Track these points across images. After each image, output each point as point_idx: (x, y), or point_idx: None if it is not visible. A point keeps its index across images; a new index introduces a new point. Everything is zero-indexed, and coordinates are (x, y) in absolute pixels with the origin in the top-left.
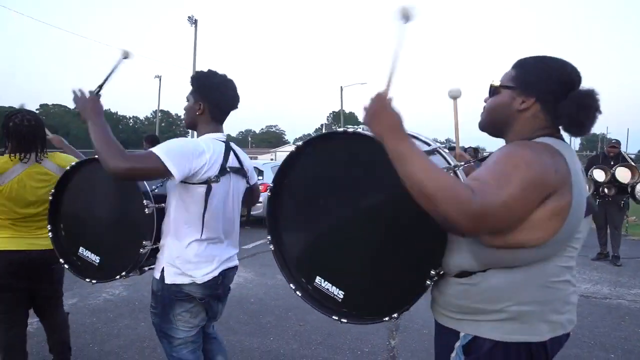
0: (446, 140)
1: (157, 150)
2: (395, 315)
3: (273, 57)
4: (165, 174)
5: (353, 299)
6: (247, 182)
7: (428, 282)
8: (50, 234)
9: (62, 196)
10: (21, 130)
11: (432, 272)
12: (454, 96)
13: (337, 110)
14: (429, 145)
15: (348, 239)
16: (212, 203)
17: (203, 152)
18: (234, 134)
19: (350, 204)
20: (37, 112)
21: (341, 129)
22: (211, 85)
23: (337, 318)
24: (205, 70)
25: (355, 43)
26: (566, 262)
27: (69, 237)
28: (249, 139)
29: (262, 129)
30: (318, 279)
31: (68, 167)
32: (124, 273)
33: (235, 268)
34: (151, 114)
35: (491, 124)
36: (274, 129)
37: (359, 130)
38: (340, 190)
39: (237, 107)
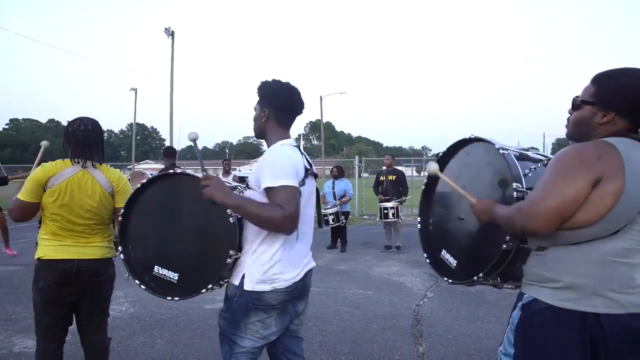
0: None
1: (283, 180)
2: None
3: (250, 67)
4: (299, 190)
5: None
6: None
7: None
8: (122, 255)
9: (131, 215)
10: (77, 135)
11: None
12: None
13: (314, 120)
14: None
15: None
16: (301, 205)
17: (295, 158)
18: (210, 146)
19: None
20: (7, 126)
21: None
22: (274, 91)
23: (170, 298)
24: (268, 79)
25: (334, 52)
26: (631, 245)
27: (140, 256)
28: (227, 150)
29: (239, 140)
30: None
31: (139, 185)
32: (210, 286)
33: (312, 269)
34: (126, 127)
35: (577, 134)
36: (251, 140)
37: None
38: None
39: (301, 112)
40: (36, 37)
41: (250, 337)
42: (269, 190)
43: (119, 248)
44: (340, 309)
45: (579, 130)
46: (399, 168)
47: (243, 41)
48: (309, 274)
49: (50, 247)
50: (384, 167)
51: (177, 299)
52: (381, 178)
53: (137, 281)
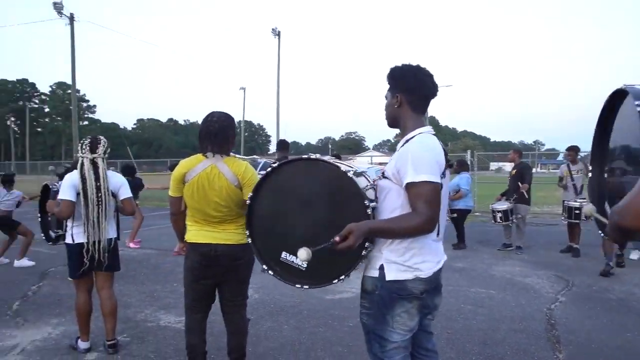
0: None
1: (425, 175)
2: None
3: (353, 63)
4: (440, 187)
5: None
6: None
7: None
8: (249, 239)
9: (260, 201)
10: (206, 128)
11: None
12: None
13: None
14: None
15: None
16: (441, 199)
17: (439, 150)
18: (313, 142)
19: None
20: (134, 126)
21: (305, 156)
22: (404, 73)
23: (299, 286)
24: (399, 64)
25: (438, 44)
26: None
27: (268, 242)
28: (329, 146)
29: (341, 135)
30: (284, 254)
31: (267, 170)
32: (342, 277)
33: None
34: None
35: None
36: (353, 136)
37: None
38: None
39: (435, 95)
40: (156, 43)
41: (398, 330)
42: (410, 186)
43: (247, 232)
44: (463, 307)
45: None
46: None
47: (346, 38)
48: (442, 267)
49: (192, 232)
50: (509, 163)
51: (306, 287)
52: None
53: (264, 266)
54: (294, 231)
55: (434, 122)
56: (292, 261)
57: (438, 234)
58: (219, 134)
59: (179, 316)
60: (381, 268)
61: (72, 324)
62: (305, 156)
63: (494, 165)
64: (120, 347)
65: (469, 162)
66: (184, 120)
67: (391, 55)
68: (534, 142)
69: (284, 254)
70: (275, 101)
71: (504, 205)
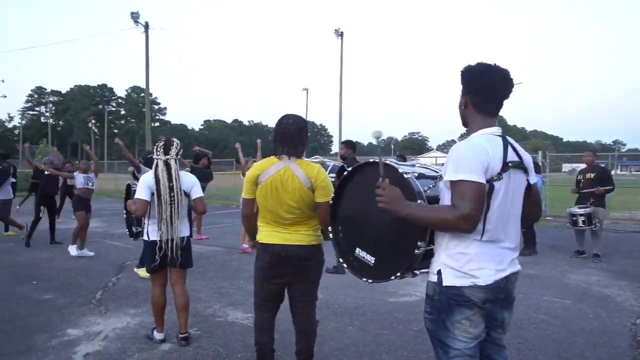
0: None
1: (463, 174)
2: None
3: (417, 62)
4: (484, 187)
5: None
6: (527, 180)
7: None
8: (330, 235)
9: (340, 199)
10: (285, 131)
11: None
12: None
13: None
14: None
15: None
16: (494, 202)
17: (486, 151)
18: (375, 142)
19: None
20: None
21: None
22: (470, 75)
23: (364, 279)
24: (472, 63)
25: (509, 40)
26: None
27: (346, 238)
28: (392, 146)
29: (404, 136)
30: (357, 250)
31: (346, 172)
32: (398, 274)
33: (517, 273)
34: None
35: None
36: (416, 136)
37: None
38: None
39: (506, 97)
40: (222, 46)
41: (460, 337)
42: (450, 185)
43: (329, 228)
44: (535, 316)
45: None
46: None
47: (411, 35)
48: (512, 278)
49: (264, 232)
50: (584, 165)
51: (370, 281)
52: (579, 177)
53: (340, 260)
54: (366, 229)
55: (501, 122)
56: (363, 257)
57: (503, 241)
58: (294, 136)
59: (245, 313)
60: (439, 273)
61: (147, 315)
62: (372, 160)
63: (566, 167)
64: (191, 340)
65: (540, 164)
66: (248, 121)
67: (460, 53)
68: (614, 142)
69: (357, 250)
70: (337, 101)
71: (585, 208)
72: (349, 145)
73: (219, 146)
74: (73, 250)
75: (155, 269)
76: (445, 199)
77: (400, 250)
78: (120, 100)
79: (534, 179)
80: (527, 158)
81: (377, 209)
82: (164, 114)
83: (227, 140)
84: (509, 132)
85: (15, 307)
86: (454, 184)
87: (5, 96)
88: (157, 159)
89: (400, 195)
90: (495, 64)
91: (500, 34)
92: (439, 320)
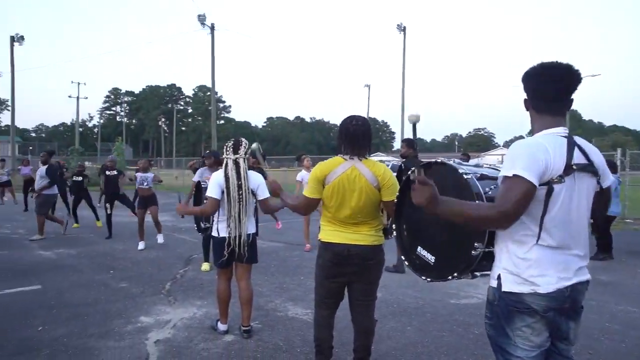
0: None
1: (512, 170)
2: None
3: (482, 56)
4: (533, 188)
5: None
6: (598, 182)
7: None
8: (394, 232)
9: (405, 198)
10: (355, 132)
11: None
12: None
13: None
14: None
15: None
16: (553, 206)
17: (546, 150)
18: (439, 139)
19: None
20: (264, 124)
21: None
22: (527, 77)
23: (424, 278)
24: (536, 63)
25: (583, 29)
26: None
27: (409, 236)
28: (456, 142)
29: (469, 132)
30: (419, 249)
31: (410, 172)
32: (455, 274)
33: (586, 282)
34: None
35: None
36: (482, 132)
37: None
38: None
39: (565, 95)
40: (283, 45)
41: (521, 345)
42: (502, 180)
43: (393, 227)
44: (608, 326)
45: None
46: None
47: (471, 32)
48: (580, 287)
49: (327, 231)
50: None
51: (429, 280)
52: None
53: (403, 257)
54: (428, 228)
55: (575, 116)
56: (424, 256)
57: (569, 248)
58: (361, 138)
59: (305, 308)
60: (499, 278)
61: (212, 306)
62: (436, 160)
63: None
64: (253, 333)
65: (619, 162)
66: (310, 118)
67: (528, 46)
68: None
69: (419, 248)
70: (400, 97)
71: None
72: (409, 144)
73: (281, 143)
74: (141, 245)
75: (222, 264)
76: None
77: (458, 251)
78: (187, 99)
79: (608, 182)
80: (599, 160)
81: None
82: (228, 112)
83: (289, 137)
84: (584, 127)
85: (95, 294)
86: (504, 179)
87: (87, 97)
88: (226, 158)
89: (434, 191)
90: (554, 62)
91: (575, 24)
92: (499, 326)
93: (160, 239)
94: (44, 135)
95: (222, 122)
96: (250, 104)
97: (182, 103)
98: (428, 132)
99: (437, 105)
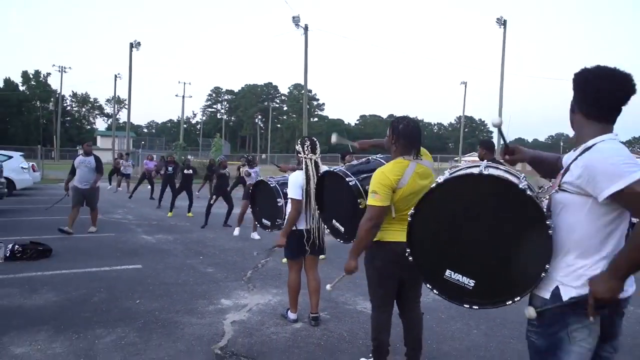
0: None
1: (626, 178)
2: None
3: (588, 49)
4: None
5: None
6: None
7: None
8: (411, 257)
9: (420, 214)
10: (416, 132)
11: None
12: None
13: None
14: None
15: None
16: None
17: (636, 162)
18: (541, 139)
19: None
20: (357, 122)
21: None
22: (577, 81)
23: (468, 306)
24: (587, 67)
25: None
26: None
27: (431, 258)
28: (561, 143)
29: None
30: (448, 272)
31: (435, 183)
32: (517, 299)
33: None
34: (455, 120)
35: None
36: None
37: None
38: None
39: (623, 103)
40: (378, 43)
41: (576, 346)
42: (617, 195)
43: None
44: None
45: None
46: None
47: (574, 24)
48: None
49: (390, 232)
50: None
51: (475, 307)
52: None
53: (427, 283)
54: (461, 248)
55: None
56: (457, 280)
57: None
58: (419, 137)
59: None
60: (556, 289)
61: (286, 295)
62: (476, 172)
63: None
64: (320, 322)
65: None
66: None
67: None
68: None
69: (448, 272)
70: (498, 94)
71: None
72: (485, 145)
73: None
74: (236, 231)
75: (295, 256)
76: (564, 211)
77: (518, 274)
78: (283, 97)
79: None
80: None
81: (482, 226)
82: (322, 110)
83: (382, 134)
84: None
85: (185, 276)
86: (623, 192)
87: (191, 96)
88: (306, 158)
89: (601, 286)
90: (612, 69)
91: None
92: (551, 333)
93: (236, 232)
94: (154, 130)
95: (315, 119)
96: (343, 102)
97: (277, 101)
98: (530, 132)
99: (539, 103)
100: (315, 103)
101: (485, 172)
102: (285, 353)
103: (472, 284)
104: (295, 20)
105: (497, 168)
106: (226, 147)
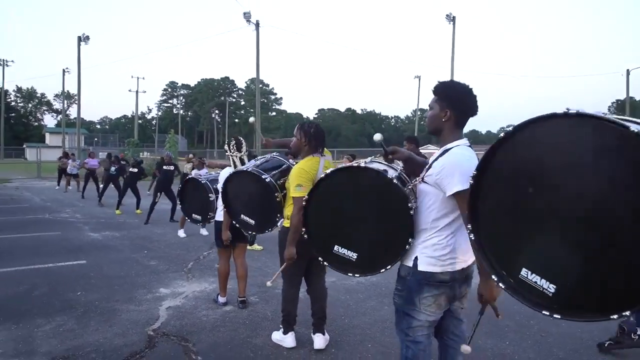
0: None
1: (463, 182)
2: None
3: (539, 46)
4: None
5: (363, 259)
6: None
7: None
8: (305, 235)
9: (313, 200)
10: (318, 133)
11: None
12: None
13: (622, 98)
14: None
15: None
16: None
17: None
18: (494, 130)
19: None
20: (316, 115)
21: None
22: (459, 94)
23: (351, 274)
24: (448, 80)
25: None
26: None
27: (322, 236)
28: None
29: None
30: (336, 247)
31: (324, 174)
32: (388, 267)
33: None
34: (411, 113)
35: None
36: None
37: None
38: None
39: (476, 114)
40: (332, 40)
41: (424, 311)
42: (457, 194)
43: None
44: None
45: None
46: None
47: (523, 20)
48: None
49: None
50: None
51: (357, 275)
52: None
53: (319, 257)
54: (345, 227)
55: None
56: (343, 253)
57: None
58: (325, 138)
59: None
60: (415, 259)
61: None
62: (357, 164)
63: None
64: (248, 305)
65: None
66: (361, 110)
67: (588, 31)
68: None
69: (336, 247)
70: None
71: None
72: (411, 140)
73: (332, 134)
74: (181, 233)
75: (223, 244)
76: (426, 199)
77: (389, 247)
78: (240, 92)
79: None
80: None
81: (361, 208)
82: (279, 104)
83: (340, 128)
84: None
85: (128, 269)
86: (463, 193)
87: (145, 91)
88: (232, 156)
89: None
90: (469, 86)
91: None
92: (409, 297)
93: (181, 234)
94: (107, 127)
95: (273, 114)
96: (302, 96)
97: (235, 96)
98: (482, 124)
99: (489, 97)
100: (272, 97)
101: (363, 165)
102: (212, 331)
103: (355, 257)
104: (247, 16)
105: (380, 163)
106: (183, 142)
